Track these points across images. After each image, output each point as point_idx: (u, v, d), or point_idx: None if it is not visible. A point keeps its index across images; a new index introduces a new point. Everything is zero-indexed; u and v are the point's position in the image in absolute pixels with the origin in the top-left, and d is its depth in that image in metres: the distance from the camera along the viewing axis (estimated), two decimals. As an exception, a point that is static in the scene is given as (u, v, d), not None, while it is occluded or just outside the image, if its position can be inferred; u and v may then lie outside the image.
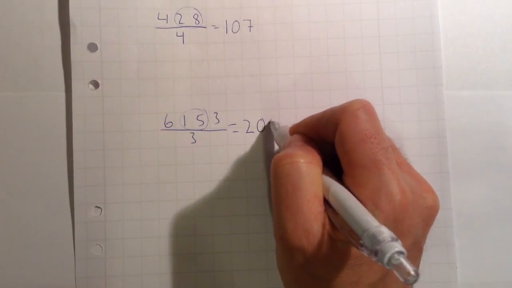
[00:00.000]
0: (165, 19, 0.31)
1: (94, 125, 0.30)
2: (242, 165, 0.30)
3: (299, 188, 0.21)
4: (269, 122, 0.31)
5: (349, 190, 0.21)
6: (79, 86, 0.30)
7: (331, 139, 0.23)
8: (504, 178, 0.31)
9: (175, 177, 0.30)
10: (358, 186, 0.21)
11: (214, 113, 0.31)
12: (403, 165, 0.24)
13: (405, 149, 0.30)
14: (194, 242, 0.30)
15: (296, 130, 0.26)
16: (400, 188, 0.21)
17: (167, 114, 0.31)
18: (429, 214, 0.23)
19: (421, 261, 0.30)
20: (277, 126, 0.30)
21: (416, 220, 0.22)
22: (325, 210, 0.22)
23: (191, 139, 0.30)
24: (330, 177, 0.23)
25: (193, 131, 0.31)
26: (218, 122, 0.31)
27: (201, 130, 0.31)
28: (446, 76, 0.31)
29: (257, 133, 0.31)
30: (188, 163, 0.30)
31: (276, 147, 0.31)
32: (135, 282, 0.30)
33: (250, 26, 0.31)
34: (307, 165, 0.22)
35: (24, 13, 0.31)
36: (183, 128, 0.31)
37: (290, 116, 0.31)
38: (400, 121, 0.31)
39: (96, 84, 0.30)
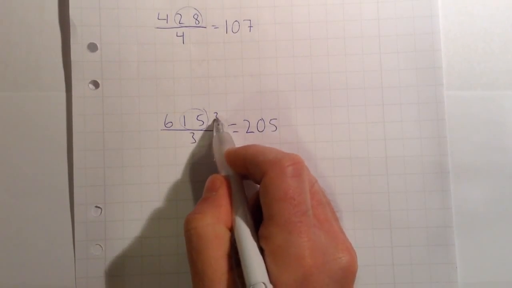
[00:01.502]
0: (165, 19, 0.31)
1: (94, 125, 0.30)
2: (242, 165, 0.30)
3: (200, 252, 0.22)
4: (214, 120, 0.30)
5: (260, 238, 0.23)
6: (79, 86, 0.30)
7: (258, 182, 0.24)
8: (504, 178, 0.31)
9: (175, 177, 0.30)
10: (266, 238, 0.22)
11: (214, 113, 0.31)
12: (325, 223, 0.24)
13: (405, 149, 0.30)
14: (194, 242, 0.30)
15: (230, 158, 0.26)
16: (308, 251, 0.21)
17: (167, 114, 0.31)
18: (344, 276, 0.23)
19: (421, 261, 0.30)
20: (220, 127, 0.29)
21: (325, 282, 0.22)
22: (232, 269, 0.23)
23: (191, 139, 0.30)
24: (245, 220, 0.23)
25: (193, 131, 0.31)
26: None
27: (201, 130, 0.31)
28: (446, 76, 0.31)
29: (257, 133, 0.31)
30: (188, 163, 0.30)
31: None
32: (135, 282, 0.30)
33: (250, 26, 0.31)
34: (210, 227, 0.23)
35: (24, 13, 0.31)
36: (183, 128, 0.31)
37: (290, 116, 0.31)
38: (400, 121, 0.31)
39: (96, 84, 0.30)
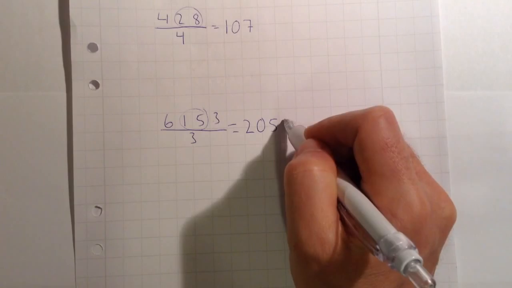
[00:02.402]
0: (165, 19, 0.31)
1: (94, 125, 0.30)
2: (242, 165, 0.30)
3: (313, 197, 0.21)
4: (282, 121, 0.30)
5: (367, 196, 0.21)
6: (79, 86, 0.30)
7: (349, 143, 0.23)
8: (504, 178, 0.31)
9: (175, 177, 0.30)
10: (376, 194, 0.21)
11: (214, 113, 0.31)
12: (421, 174, 0.24)
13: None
14: (194, 242, 0.30)
15: (312, 133, 0.26)
16: (419, 199, 0.21)
17: (167, 114, 0.31)
18: (446, 225, 0.23)
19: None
20: (291, 125, 0.29)
21: (433, 230, 0.21)
22: (340, 217, 0.22)
23: (191, 139, 0.30)
24: (346, 180, 0.22)
25: (193, 131, 0.31)
26: (218, 122, 0.31)
27: (201, 130, 0.31)
28: (446, 76, 0.31)
29: (257, 133, 0.31)
30: (188, 163, 0.30)
31: (289, 146, 0.30)
32: (135, 282, 0.30)
33: (250, 26, 0.31)
34: (321, 173, 0.22)
35: (24, 13, 0.31)
36: (183, 128, 0.31)
37: (290, 116, 0.31)
38: (400, 121, 0.31)
39: (96, 84, 0.30)
